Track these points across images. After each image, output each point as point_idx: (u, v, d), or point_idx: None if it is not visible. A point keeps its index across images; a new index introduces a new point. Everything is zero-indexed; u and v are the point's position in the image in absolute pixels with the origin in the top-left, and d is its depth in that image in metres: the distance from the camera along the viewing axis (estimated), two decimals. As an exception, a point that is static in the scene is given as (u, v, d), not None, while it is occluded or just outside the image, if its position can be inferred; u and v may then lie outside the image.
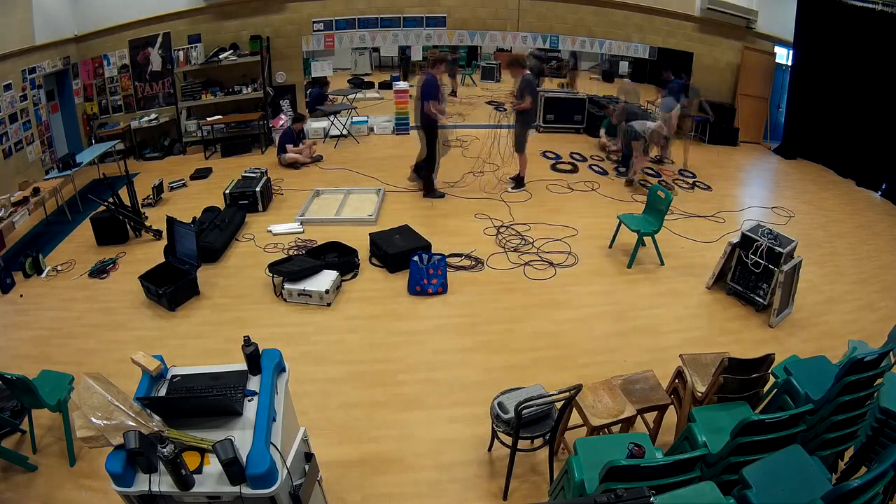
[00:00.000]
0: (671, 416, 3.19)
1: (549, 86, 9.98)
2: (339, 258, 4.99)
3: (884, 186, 7.58)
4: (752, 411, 2.79)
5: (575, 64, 9.34)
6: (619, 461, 1.99)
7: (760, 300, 4.49)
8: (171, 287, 4.41)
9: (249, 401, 2.08)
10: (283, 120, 8.64)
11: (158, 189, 6.53)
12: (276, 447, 1.91)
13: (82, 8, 7.56)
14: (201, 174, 7.29)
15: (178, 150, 8.20)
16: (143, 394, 2.07)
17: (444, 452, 3.14)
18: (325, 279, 4.57)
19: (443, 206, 6.33)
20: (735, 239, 4.66)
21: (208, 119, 8.00)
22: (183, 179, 7.00)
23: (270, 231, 5.71)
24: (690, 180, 7.45)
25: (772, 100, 9.46)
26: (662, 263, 5.22)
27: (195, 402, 2.08)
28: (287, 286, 4.54)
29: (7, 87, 6.26)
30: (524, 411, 2.51)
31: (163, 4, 7.80)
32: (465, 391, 3.60)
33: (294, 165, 7.46)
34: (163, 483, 1.80)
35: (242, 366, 2.20)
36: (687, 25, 9.06)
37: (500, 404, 2.76)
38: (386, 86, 11.18)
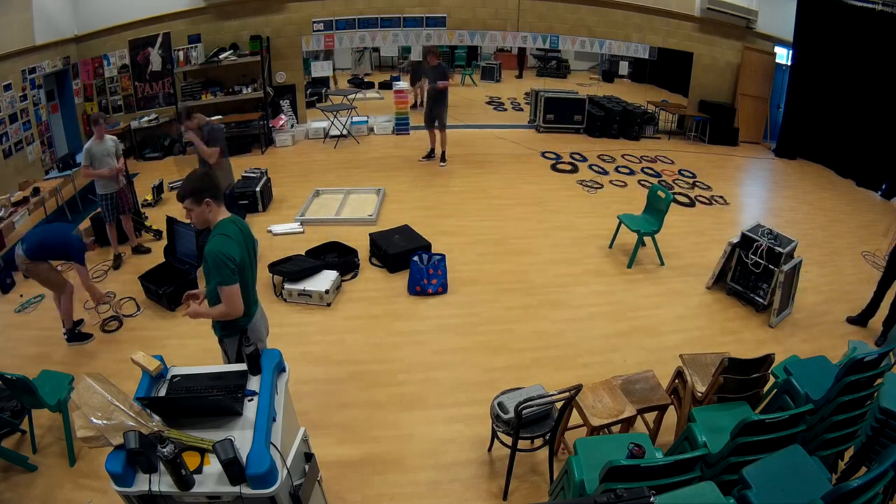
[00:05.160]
0: (671, 416, 3.19)
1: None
2: (339, 258, 4.99)
3: (884, 186, 7.59)
4: (752, 411, 2.79)
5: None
6: (619, 461, 1.99)
7: (760, 300, 4.49)
8: (171, 287, 4.41)
9: (249, 401, 2.08)
10: (283, 120, 8.64)
11: (158, 189, 6.53)
12: (276, 447, 1.91)
13: (82, 8, 7.55)
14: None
15: (179, 150, 8.19)
16: (143, 394, 2.07)
17: (444, 452, 3.14)
18: (325, 279, 4.57)
19: (443, 207, 6.32)
20: (735, 239, 4.66)
21: (208, 119, 7.98)
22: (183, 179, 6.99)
23: (270, 231, 5.71)
24: (690, 180, 7.45)
25: (772, 100, 9.47)
26: (662, 263, 5.22)
27: (195, 402, 2.08)
28: (287, 286, 4.54)
29: (7, 87, 6.26)
30: (524, 411, 2.51)
31: (163, 4, 7.79)
32: (465, 391, 3.60)
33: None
34: (163, 483, 1.80)
35: (242, 366, 2.21)
36: (687, 25, 9.06)
37: (500, 404, 2.76)
38: (385, 86, 11.20)
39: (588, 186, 7.03)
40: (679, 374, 3.20)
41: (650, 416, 3.18)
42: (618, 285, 4.89)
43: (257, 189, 6.10)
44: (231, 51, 8.06)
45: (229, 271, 2.39)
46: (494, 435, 2.99)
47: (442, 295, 4.65)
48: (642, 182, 7.20)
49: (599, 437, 2.77)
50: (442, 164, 7.52)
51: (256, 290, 2.78)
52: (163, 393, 2.14)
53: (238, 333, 2.58)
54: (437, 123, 7.23)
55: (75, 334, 4.11)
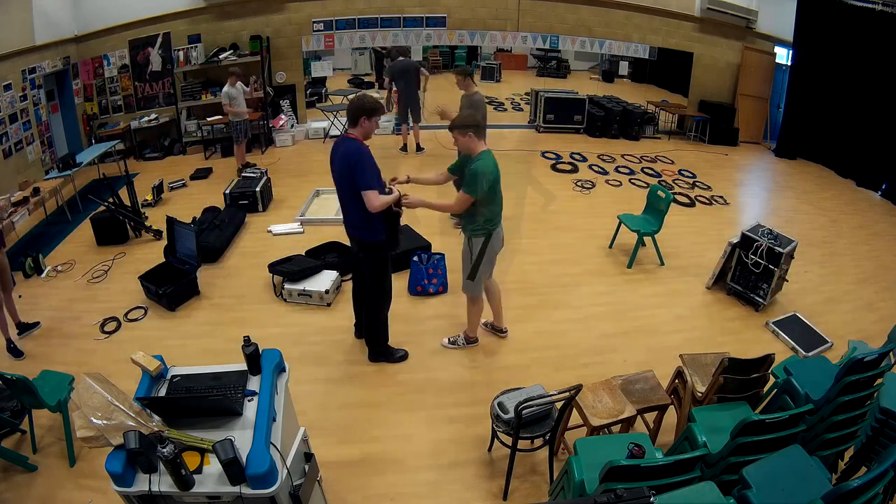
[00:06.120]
0: (671, 416, 3.19)
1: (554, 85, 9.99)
2: (339, 258, 4.99)
3: (884, 186, 7.59)
4: (752, 411, 2.79)
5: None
6: (619, 461, 1.99)
7: (760, 300, 4.49)
8: (171, 287, 4.41)
9: (249, 401, 2.08)
10: (283, 120, 8.64)
11: (158, 189, 6.53)
12: (276, 447, 1.91)
13: (82, 8, 7.55)
14: (201, 174, 7.29)
15: (178, 150, 8.20)
16: (143, 394, 2.07)
17: (444, 452, 3.14)
18: (325, 279, 4.58)
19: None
20: (735, 239, 4.66)
21: (208, 119, 8.00)
22: (183, 179, 7.00)
23: (270, 231, 5.71)
24: (691, 180, 7.45)
25: (772, 100, 9.47)
26: (662, 263, 5.22)
27: (195, 402, 2.08)
28: (287, 286, 4.54)
29: (7, 87, 6.26)
30: (524, 411, 2.51)
31: (163, 4, 7.80)
32: (465, 391, 3.60)
33: None
34: (163, 483, 1.80)
35: (242, 366, 2.21)
36: (687, 25, 9.06)
37: (500, 404, 2.76)
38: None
39: (581, 186, 7.02)
40: (679, 374, 3.20)
41: (650, 416, 3.18)
42: (618, 285, 4.89)
43: (257, 189, 6.10)
44: (231, 51, 8.06)
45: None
46: (494, 435, 2.99)
47: (442, 295, 4.65)
48: (634, 181, 7.20)
49: (599, 437, 2.77)
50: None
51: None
52: (163, 393, 2.14)
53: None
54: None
55: (24, 325, 4.20)
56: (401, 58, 7.60)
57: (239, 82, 6.84)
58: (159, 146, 8.16)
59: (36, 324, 4.27)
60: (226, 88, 6.75)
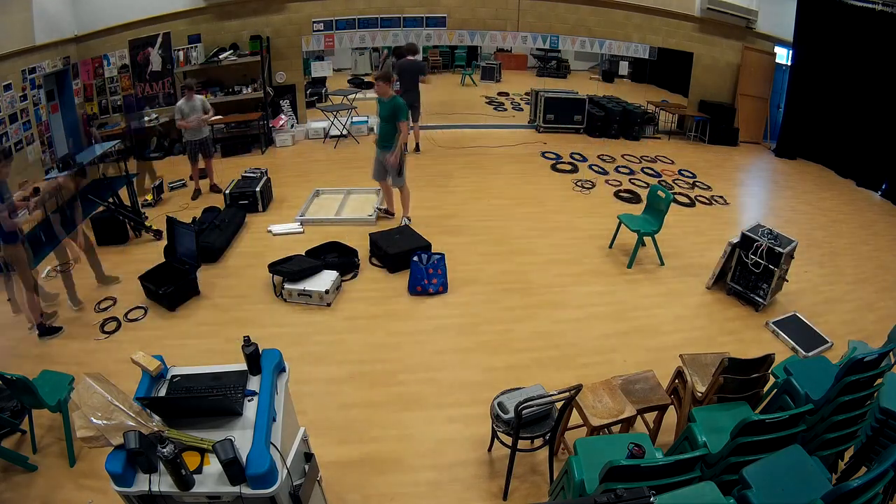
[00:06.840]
0: (671, 416, 3.19)
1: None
2: (339, 258, 4.99)
3: (884, 186, 7.59)
4: (752, 411, 2.79)
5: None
6: (619, 461, 1.99)
7: (760, 300, 4.49)
8: (171, 287, 4.41)
9: (249, 401, 2.08)
10: (283, 120, 8.64)
11: (158, 189, 6.53)
12: (276, 447, 1.91)
13: (82, 8, 7.54)
14: (201, 174, 7.27)
15: (178, 150, 8.19)
16: (143, 394, 2.07)
17: (444, 452, 3.14)
18: (325, 279, 4.58)
19: (443, 207, 6.33)
20: (735, 239, 4.66)
21: (208, 119, 7.99)
22: (183, 179, 6.99)
23: (270, 231, 5.71)
24: (690, 180, 7.45)
25: (772, 100, 9.47)
26: (662, 263, 5.22)
27: (195, 402, 2.08)
28: (287, 286, 4.54)
29: (7, 87, 6.25)
30: (524, 411, 2.51)
31: (163, 4, 7.79)
32: (465, 391, 3.60)
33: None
34: (163, 483, 1.80)
35: (242, 366, 2.21)
36: (687, 25, 9.06)
37: (500, 404, 2.76)
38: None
39: (581, 186, 7.01)
40: (679, 374, 3.20)
41: (650, 416, 3.18)
42: (618, 285, 4.89)
43: (257, 189, 6.10)
44: (231, 51, 8.06)
45: None
46: (494, 435, 2.99)
47: (442, 295, 4.65)
48: (634, 181, 7.20)
49: (599, 437, 2.77)
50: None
51: None
52: (163, 393, 2.14)
53: None
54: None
55: (45, 328, 4.15)
56: (409, 56, 7.58)
57: (197, 97, 6.30)
58: (160, 146, 8.15)
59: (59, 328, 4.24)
60: (180, 102, 6.25)
